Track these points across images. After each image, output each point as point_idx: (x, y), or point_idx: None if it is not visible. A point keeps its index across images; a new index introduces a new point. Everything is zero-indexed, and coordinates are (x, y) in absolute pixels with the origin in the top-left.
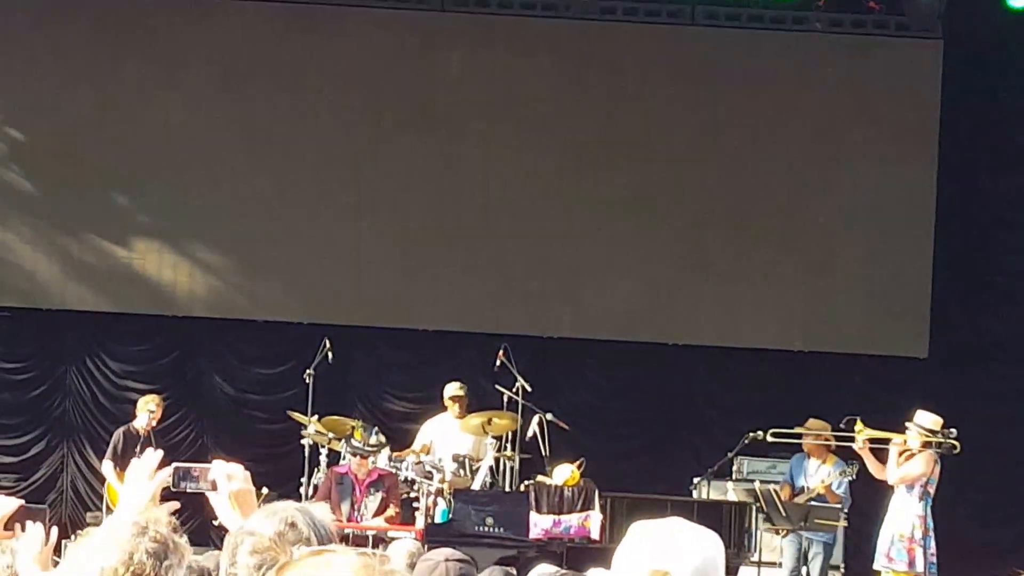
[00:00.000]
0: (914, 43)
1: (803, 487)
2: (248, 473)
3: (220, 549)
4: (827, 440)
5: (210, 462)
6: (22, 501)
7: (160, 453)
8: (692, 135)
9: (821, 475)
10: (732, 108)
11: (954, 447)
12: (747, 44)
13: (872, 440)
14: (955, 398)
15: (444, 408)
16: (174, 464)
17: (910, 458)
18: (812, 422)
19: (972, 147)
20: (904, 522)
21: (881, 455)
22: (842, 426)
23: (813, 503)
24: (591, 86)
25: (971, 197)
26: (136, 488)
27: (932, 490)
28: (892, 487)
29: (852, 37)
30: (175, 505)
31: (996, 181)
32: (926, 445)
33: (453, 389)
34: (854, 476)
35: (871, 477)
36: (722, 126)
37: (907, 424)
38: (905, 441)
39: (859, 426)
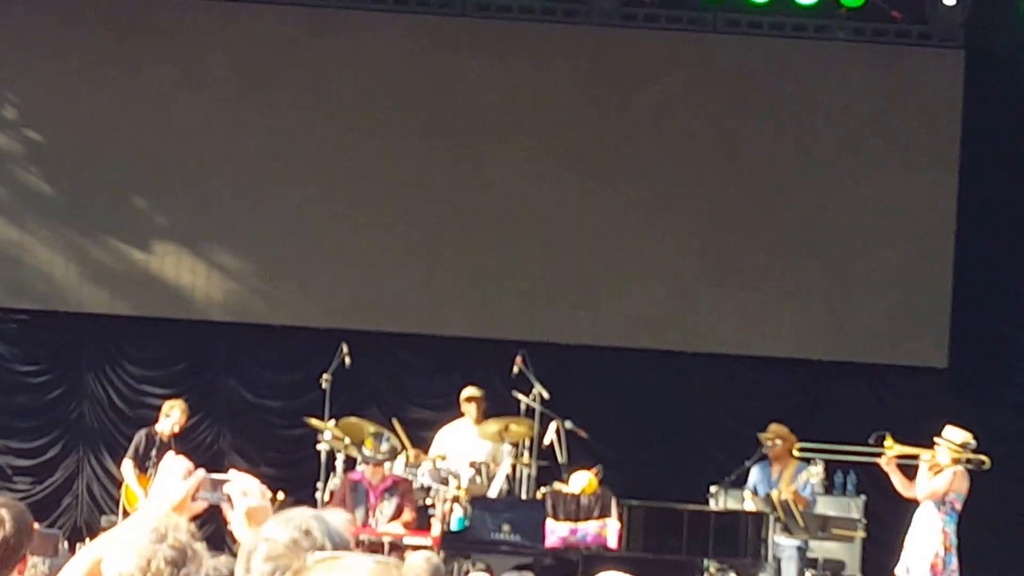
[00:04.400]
0: (936, 52)
1: (767, 495)
2: (264, 488)
3: (235, 555)
4: (791, 448)
5: (227, 471)
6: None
7: (187, 462)
8: (713, 142)
9: (784, 481)
10: (753, 116)
11: (983, 462)
12: (768, 52)
13: (901, 456)
14: (974, 409)
15: (461, 414)
16: (204, 475)
17: (939, 473)
18: (774, 427)
19: (994, 156)
20: (928, 537)
21: (907, 471)
22: (870, 442)
23: (830, 513)
24: (612, 92)
25: (992, 206)
26: (168, 488)
27: (959, 506)
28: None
29: (874, 46)
30: (202, 506)
31: (1018, 190)
32: (956, 461)
33: (469, 391)
34: (819, 476)
35: (890, 488)
36: (743, 134)
37: (936, 440)
38: (934, 456)
39: (889, 442)
